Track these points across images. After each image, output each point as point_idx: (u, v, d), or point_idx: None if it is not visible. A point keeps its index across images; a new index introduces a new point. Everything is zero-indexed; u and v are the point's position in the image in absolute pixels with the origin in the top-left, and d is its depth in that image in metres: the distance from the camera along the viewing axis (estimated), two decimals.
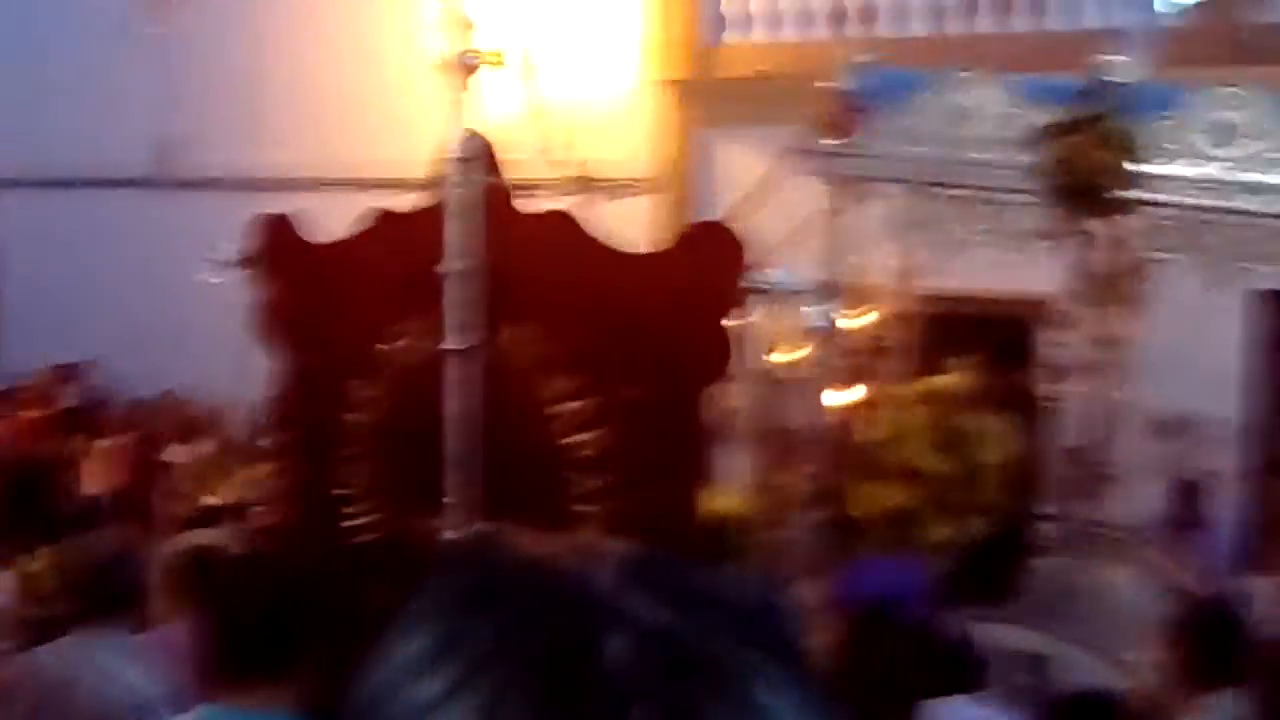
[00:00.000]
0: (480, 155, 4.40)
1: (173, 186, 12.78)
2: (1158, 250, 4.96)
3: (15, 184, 14.37)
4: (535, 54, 10.60)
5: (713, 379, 4.25)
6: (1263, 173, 4.65)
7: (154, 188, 12.95)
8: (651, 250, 4.33)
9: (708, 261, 4.18)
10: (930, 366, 6.15)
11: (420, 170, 4.71)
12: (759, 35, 9.91)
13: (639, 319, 4.20)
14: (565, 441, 4.32)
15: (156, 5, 12.72)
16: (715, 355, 4.18)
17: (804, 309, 4.49)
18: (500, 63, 10.80)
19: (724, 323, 4.13)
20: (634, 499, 4.21)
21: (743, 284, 4.07)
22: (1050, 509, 5.28)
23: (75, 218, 13.55)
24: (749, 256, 4.13)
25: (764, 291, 4.07)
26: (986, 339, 6.39)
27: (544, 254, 4.37)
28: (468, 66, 4.31)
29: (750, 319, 4.24)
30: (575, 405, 4.31)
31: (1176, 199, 4.77)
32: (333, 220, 4.99)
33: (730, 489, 6.23)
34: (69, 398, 12.78)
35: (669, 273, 4.24)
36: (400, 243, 4.57)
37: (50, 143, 13.68)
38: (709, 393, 4.25)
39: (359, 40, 11.47)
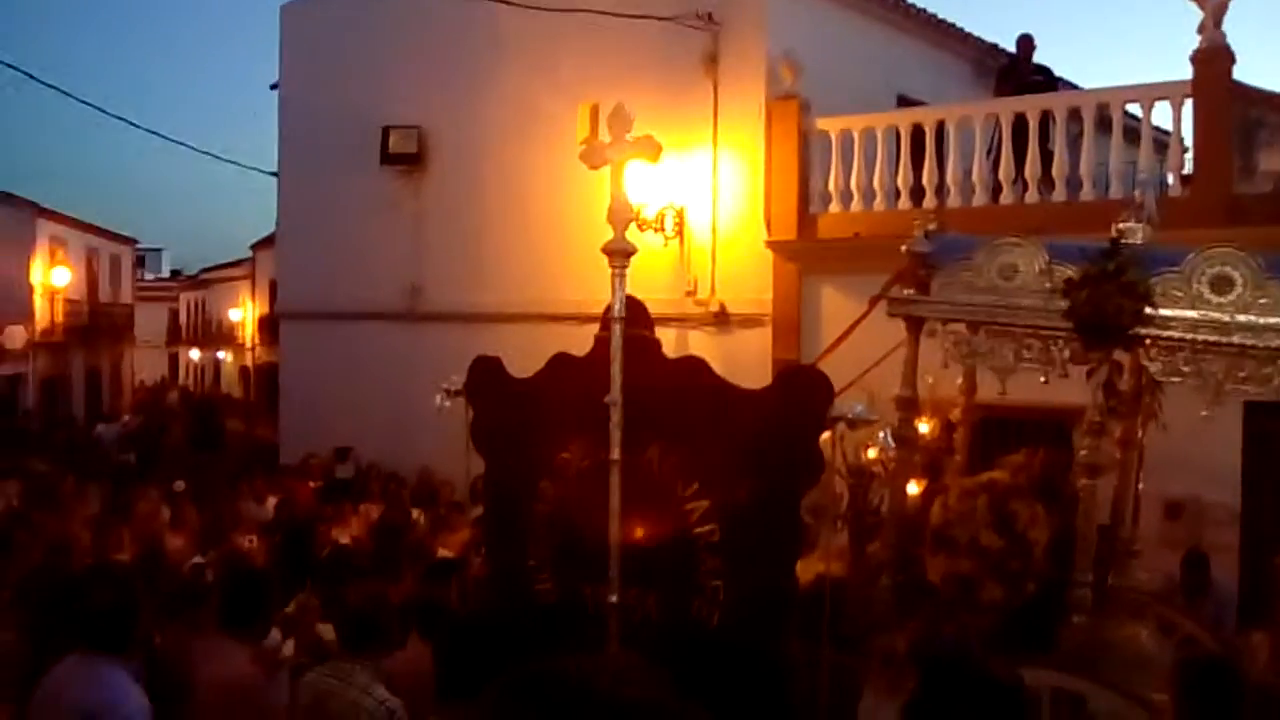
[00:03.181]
0: (636, 314, 4.44)
1: (418, 319, 13.20)
2: (1170, 374, 4.76)
3: (303, 315, 15.02)
4: (686, 221, 10.83)
5: (807, 486, 4.23)
6: (1256, 315, 4.47)
7: (404, 320, 13.42)
8: (759, 387, 4.33)
9: (800, 396, 4.18)
10: (989, 462, 6.01)
11: (598, 307, 4.76)
12: (854, 207, 9.93)
13: (749, 439, 4.21)
14: (697, 531, 4.32)
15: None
16: (808, 469, 4.16)
17: (879, 433, 4.51)
18: (660, 228, 11.07)
19: (817, 441, 4.12)
20: (746, 574, 4.22)
21: (830, 413, 4.10)
22: (1086, 577, 5.08)
23: (346, 342, 14.06)
24: (834, 390, 4.17)
25: (846, 419, 4.07)
26: (1034, 441, 6.23)
27: (681, 389, 4.40)
28: (626, 252, 4.37)
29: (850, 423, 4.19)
30: (703, 503, 4.30)
31: (1184, 335, 4.59)
32: (534, 343, 5.05)
33: (831, 557, 6.12)
34: (342, 471, 13.15)
35: (771, 404, 4.24)
36: (576, 378, 4.61)
37: (328, 286, 14.30)
38: (805, 494, 4.24)
39: (556, 209, 11.77)
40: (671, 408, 4.35)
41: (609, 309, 4.39)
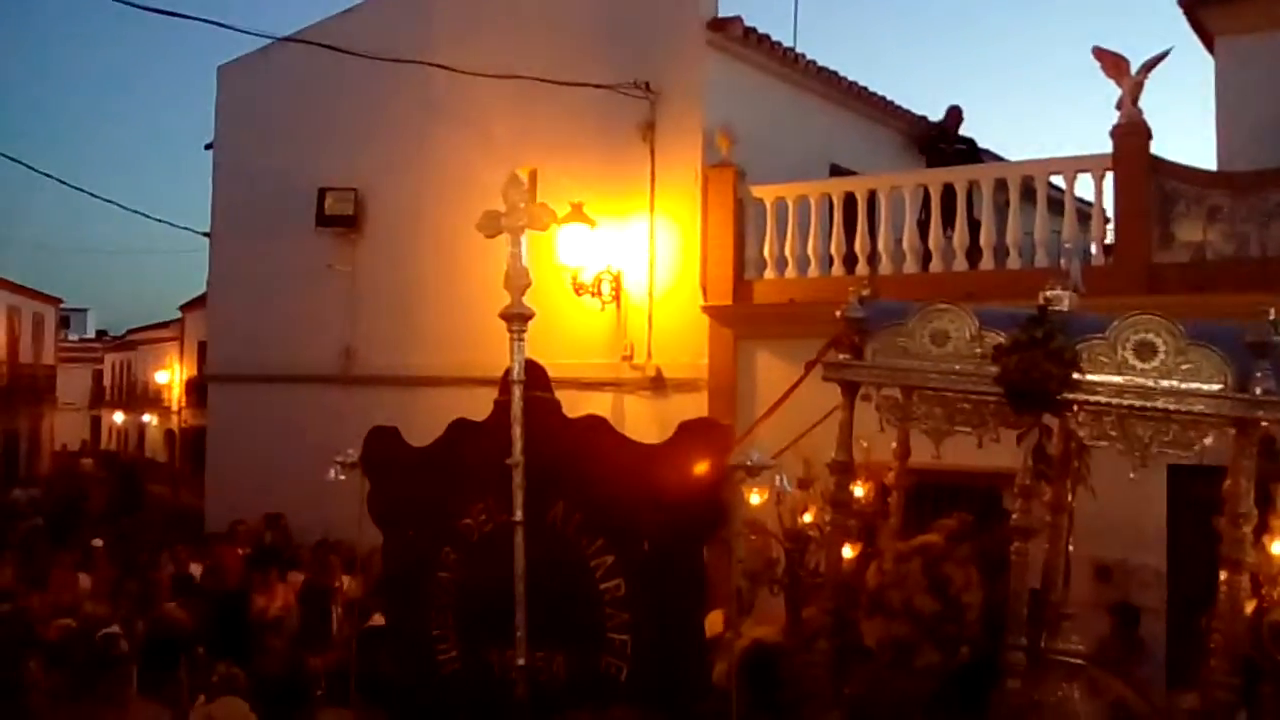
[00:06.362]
0: (535, 376, 4.47)
1: (349, 382, 13.02)
2: (1098, 438, 4.85)
3: (232, 378, 14.78)
4: (623, 286, 10.87)
5: (709, 535, 4.25)
6: (1179, 381, 4.57)
7: (336, 383, 13.23)
8: (659, 442, 4.38)
9: (699, 445, 4.23)
10: (923, 526, 6.05)
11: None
12: (788, 273, 10.05)
13: (650, 492, 4.22)
14: (602, 586, 4.31)
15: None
16: (708, 518, 4.19)
17: (775, 477, 4.60)
18: (597, 293, 11.08)
19: (718, 490, 4.15)
20: (653, 627, 4.22)
21: (729, 462, 4.12)
22: (1019, 640, 5.11)
23: (276, 406, 13.82)
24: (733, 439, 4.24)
25: (745, 466, 4.10)
26: (966, 504, 6.28)
27: (581, 447, 4.41)
28: (523, 317, 4.43)
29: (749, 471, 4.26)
30: (607, 559, 4.30)
31: (1111, 400, 4.69)
32: (465, 407, 5.00)
33: (769, 621, 6.12)
34: (270, 538, 12.84)
35: (671, 458, 4.27)
36: (475, 443, 4.59)
37: (259, 348, 14.10)
38: (707, 545, 4.26)
39: (491, 273, 11.64)
40: (573, 466, 4.36)
41: (508, 372, 4.42)
